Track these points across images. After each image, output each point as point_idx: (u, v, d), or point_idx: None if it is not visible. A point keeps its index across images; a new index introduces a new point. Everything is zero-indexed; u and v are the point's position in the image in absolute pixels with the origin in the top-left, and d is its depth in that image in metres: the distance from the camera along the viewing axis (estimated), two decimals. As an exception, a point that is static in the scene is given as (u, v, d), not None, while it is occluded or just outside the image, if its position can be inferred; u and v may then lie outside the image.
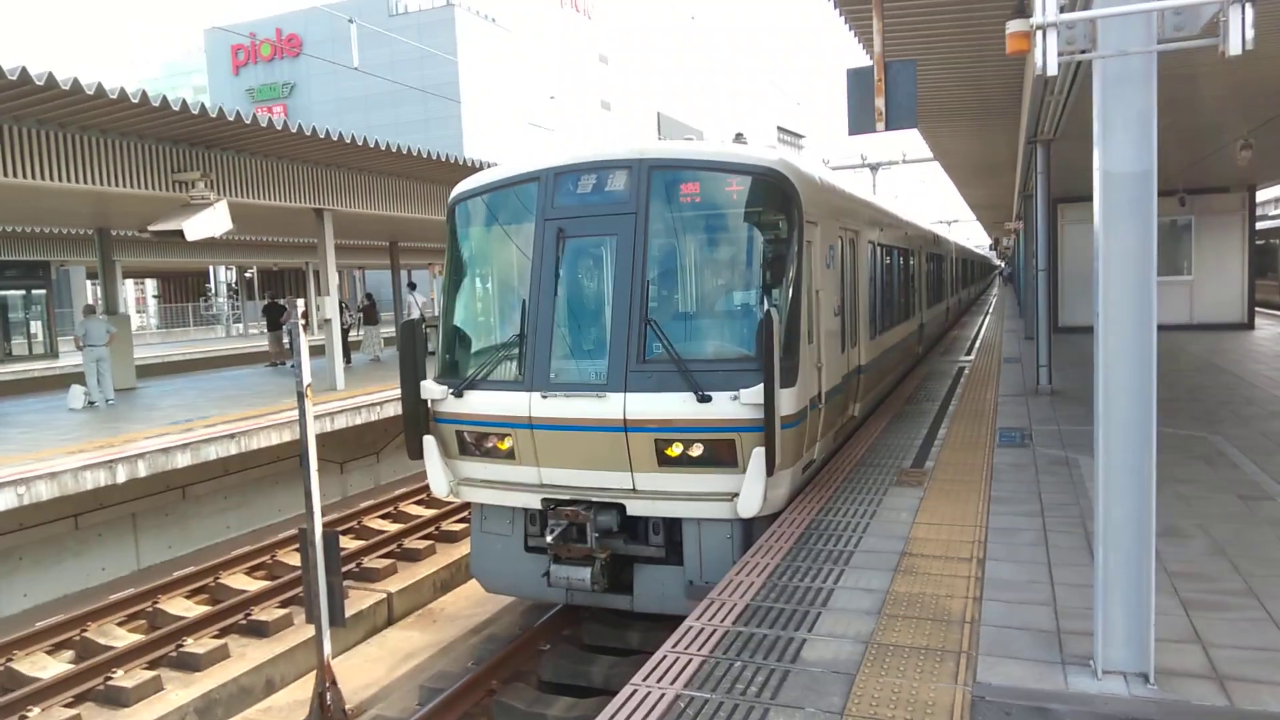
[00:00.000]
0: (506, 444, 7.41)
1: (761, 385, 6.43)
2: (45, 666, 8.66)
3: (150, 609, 9.98)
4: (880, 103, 7.14)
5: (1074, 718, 3.93)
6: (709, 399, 6.64)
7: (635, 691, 4.32)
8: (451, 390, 7.56)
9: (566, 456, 7.17)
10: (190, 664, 8.68)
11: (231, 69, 58.10)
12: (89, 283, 38.83)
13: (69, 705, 8.00)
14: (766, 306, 6.70)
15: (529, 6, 56.36)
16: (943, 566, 5.85)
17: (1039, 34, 4.01)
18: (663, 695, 4.27)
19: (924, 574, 5.72)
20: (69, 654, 9.14)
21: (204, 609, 9.96)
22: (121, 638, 9.28)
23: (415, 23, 51.49)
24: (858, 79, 7.29)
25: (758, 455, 6.55)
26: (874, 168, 38.61)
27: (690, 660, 4.64)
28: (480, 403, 7.46)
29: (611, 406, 6.87)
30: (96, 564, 11.96)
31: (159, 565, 12.48)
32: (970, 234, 68.03)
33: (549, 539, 7.06)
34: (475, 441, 7.63)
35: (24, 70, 9.22)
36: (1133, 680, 4.18)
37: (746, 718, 4.03)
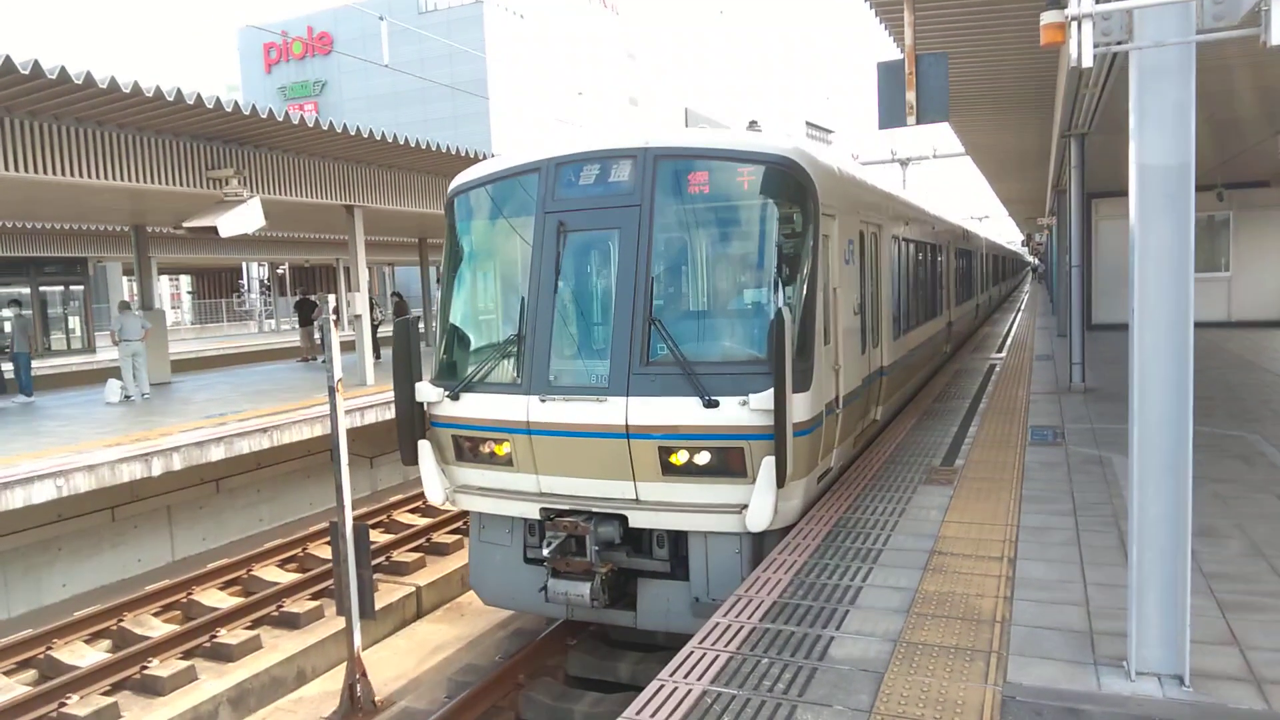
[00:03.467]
0: (504, 450, 7.10)
1: (771, 390, 6.13)
2: (83, 655, 8.83)
3: (185, 600, 10.14)
4: (911, 96, 7.08)
5: (1107, 719, 3.88)
6: (716, 404, 6.30)
7: (662, 687, 4.33)
8: (447, 392, 7.27)
9: (566, 464, 6.86)
10: (223, 654, 8.81)
11: (264, 67, 58.75)
12: (125, 279, 39.48)
13: (106, 693, 8.15)
14: (778, 305, 6.35)
15: (557, 3, 56.45)
16: (973, 565, 5.80)
17: (1074, 25, 3.95)
18: (689, 691, 4.27)
19: (954, 572, 5.67)
20: (106, 643, 9.31)
21: (237, 600, 10.10)
22: (157, 628, 9.44)
23: (445, 20, 51.76)
24: (888, 72, 7.23)
25: (767, 465, 6.19)
26: (904, 163, 38.25)
27: (718, 656, 4.63)
28: (477, 406, 7.14)
29: (613, 411, 6.55)
30: (133, 555, 12.18)
31: (193, 557, 12.68)
32: (1002, 230, 67.23)
33: (546, 552, 6.76)
34: (472, 447, 7.32)
35: (63, 69, 9.39)
36: (1167, 682, 4.12)
37: (774, 715, 4.02)
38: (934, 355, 14.91)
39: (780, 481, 6.16)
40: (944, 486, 7.79)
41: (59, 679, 8.18)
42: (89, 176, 11.18)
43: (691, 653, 4.68)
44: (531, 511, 7.07)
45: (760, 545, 6.57)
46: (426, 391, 7.36)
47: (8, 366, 17.25)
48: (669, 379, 6.46)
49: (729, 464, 6.45)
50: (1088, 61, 3.96)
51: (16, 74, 9.06)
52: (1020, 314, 32.69)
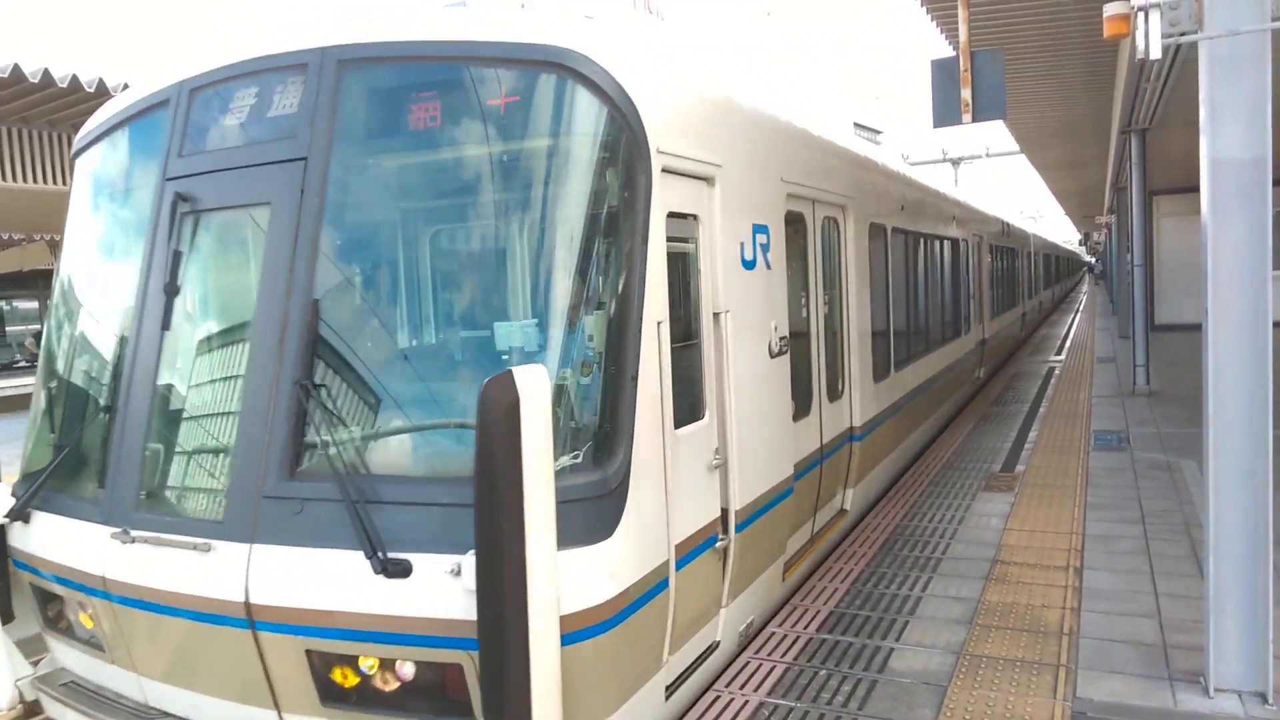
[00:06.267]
0: (93, 621, 4.01)
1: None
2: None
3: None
4: (967, 94, 6.92)
5: (1184, 737, 3.72)
6: (403, 570, 3.18)
7: (718, 698, 4.26)
8: (14, 506, 4.18)
9: (173, 664, 3.75)
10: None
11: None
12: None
13: None
14: (544, 349, 3.41)
15: (597, 9, 56.76)
16: (1037, 575, 5.63)
17: (1140, 16, 3.82)
18: (746, 702, 4.20)
19: (1017, 582, 5.51)
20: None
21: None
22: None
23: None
24: (942, 70, 7.08)
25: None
26: (955, 162, 37.65)
27: (774, 667, 4.55)
28: (46, 536, 4.09)
29: (223, 573, 3.47)
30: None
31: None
32: (1058, 229, 65.87)
33: None
34: (57, 611, 4.30)
35: (74, 78, 9.41)
36: (1249, 699, 3.94)
37: (833, 728, 3.93)
38: (956, 387, 11.55)
39: None
40: (1004, 493, 7.59)
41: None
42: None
43: (747, 663, 4.61)
44: None
45: None
46: None
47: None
48: (329, 511, 3.36)
49: (442, 690, 3.34)
50: (1155, 53, 3.83)
51: (27, 83, 9.09)
52: (1079, 315, 31.93)
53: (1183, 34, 3.95)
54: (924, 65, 7.54)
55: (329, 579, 3.33)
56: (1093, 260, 75.95)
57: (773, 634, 4.95)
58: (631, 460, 3.45)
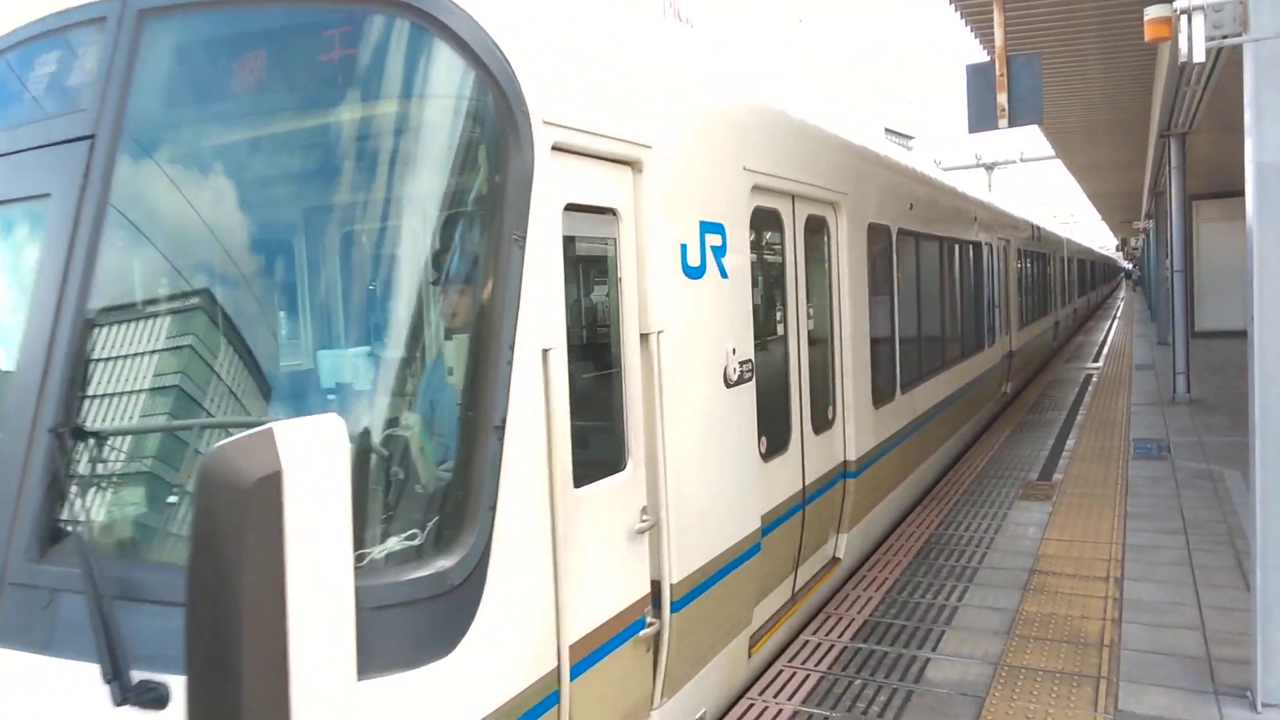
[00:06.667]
0: None
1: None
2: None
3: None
4: (1003, 99, 6.85)
5: (1230, 753, 3.65)
6: (155, 698, 2.33)
7: (752, 706, 4.24)
8: None
9: None
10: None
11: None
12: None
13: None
14: (374, 386, 2.64)
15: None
16: (1076, 585, 5.54)
17: (1183, 19, 3.77)
18: (780, 710, 4.18)
19: (1056, 593, 5.44)
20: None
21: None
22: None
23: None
24: (978, 75, 7.02)
25: None
26: (989, 167, 37.27)
27: (808, 676, 4.52)
28: None
29: None
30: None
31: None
32: (1094, 234, 64.95)
33: None
34: None
35: None
36: (1297, 714, 3.86)
37: (869, 738, 3.91)
38: (979, 406, 10.54)
39: None
40: (1042, 502, 7.49)
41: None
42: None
43: (781, 671, 4.58)
44: None
45: None
46: None
47: None
48: (81, 607, 2.48)
49: None
50: (1199, 56, 3.78)
51: None
52: (1116, 321, 31.46)
53: (1226, 36, 3.89)
54: (956, 70, 7.49)
55: (78, 701, 2.41)
56: (1130, 266, 74.87)
57: (806, 642, 4.92)
58: (492, 539, 2.52)
